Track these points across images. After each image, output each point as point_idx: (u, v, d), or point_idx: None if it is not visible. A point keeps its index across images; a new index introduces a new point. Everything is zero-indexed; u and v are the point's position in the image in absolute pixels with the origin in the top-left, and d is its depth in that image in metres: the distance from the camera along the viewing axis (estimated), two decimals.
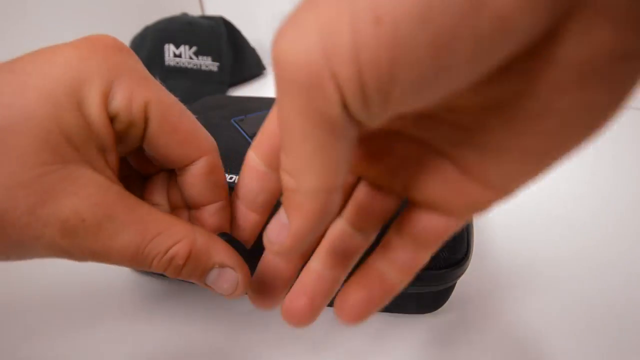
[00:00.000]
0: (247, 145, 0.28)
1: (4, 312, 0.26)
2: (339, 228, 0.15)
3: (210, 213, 0.17)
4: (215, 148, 0.18)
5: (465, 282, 0.26)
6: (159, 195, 0.18)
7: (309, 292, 0.15)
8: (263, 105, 0.36)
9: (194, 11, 0.80)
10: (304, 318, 0.15)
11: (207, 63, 0.62)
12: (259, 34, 0.77)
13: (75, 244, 0.13)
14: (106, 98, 0.14)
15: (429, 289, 0.22)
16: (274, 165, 0.15)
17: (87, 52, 0.14)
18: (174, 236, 0.15)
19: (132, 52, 0.16)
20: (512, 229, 0.32)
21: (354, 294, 0.14)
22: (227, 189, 0.18)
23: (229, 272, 0.16)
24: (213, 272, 0.15)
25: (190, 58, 0.60)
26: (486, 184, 0.12)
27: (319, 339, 0.24)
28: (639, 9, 0.08)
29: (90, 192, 0.13)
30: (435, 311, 0.25)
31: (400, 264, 0.14)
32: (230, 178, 0.24)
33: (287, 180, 0.11)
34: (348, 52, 0.08)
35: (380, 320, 0.25)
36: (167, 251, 0.14)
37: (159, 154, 0.16)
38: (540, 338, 0.24)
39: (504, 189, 0.12)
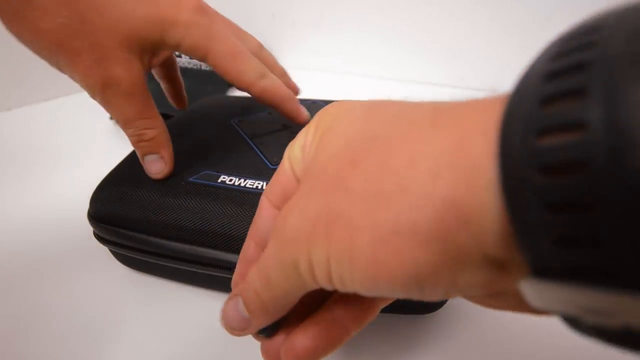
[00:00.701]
0: (247, 145, 0.28)
1: (5, 310, 0.26)
2: None
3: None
4: (257, 79, 0.24)
5: None
6: None
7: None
8: (262, 106, 0.36)
9: None
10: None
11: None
12: (259, 34, 0.77)
13: (106, 93, 0.21)
14: (179, 42, 0.22)
15: None
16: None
17: (178, 3, 0.22)
18: (149, 126, 0.23)
19: (211, 13, 0.23)
20: None
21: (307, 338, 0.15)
22: (283, 94, 0.26)
23: (161, 163, 0.24)
24: (153, 156, 0.23)
25: (190, 58, 0.60)
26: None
27: None
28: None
29: (132, 72, 0.21)
30: (436, 311, 0.25)
31: (355, 314, 0.15)
32: (230, 180, 0.24)
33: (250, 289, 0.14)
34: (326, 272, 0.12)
35: (381, 321, 0.25)
36: (142, 130, 0.22)
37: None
38: (541, 337, 0.24)
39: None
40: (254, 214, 0.21)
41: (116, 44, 0.20)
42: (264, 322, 0.15)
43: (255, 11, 0.76)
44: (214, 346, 0.24)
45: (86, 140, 0.48)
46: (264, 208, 0.17)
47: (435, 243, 0.10)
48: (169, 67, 0.30)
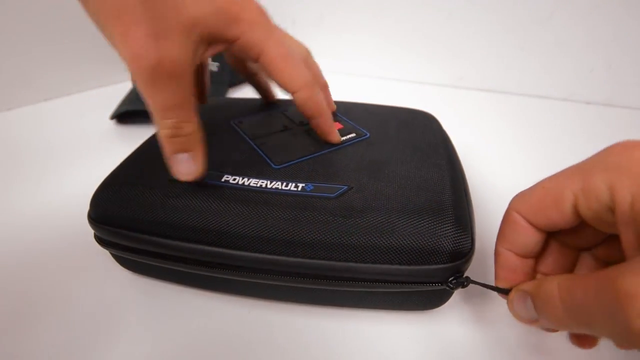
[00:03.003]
0: (247, 146, 0.28)
1: (5, 314, 0.26)
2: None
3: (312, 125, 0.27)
4: (305, 86, 0.25)
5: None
6: None
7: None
8: (262, 106, 0.36)
9: None
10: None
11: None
12: None
13: (154, 73, 0.19)
14: (235, 40, 0.22)
15: (433, 286, 0.22)
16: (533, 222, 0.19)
17: (247, 4, 0.22)
18: (188, 119, 0.21)
19: (268, 18, 0.24)
20: None
21: None
22: (323, 107, 0.26)
23: (192, 164, 0.22)
24: (185, 155, 0.21)
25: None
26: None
27: (320, 336, 0.24)
28: None
29: (186, 58, 0.20)
30: (439, 307, 0.25)
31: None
32: (234, 179, 0.24)
33: None
34: None
35: (383, 317, 0.25)
36: (180, 122, 0.21)
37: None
38: (542, 335, 0.24)
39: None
40: (259, 212, 0.22)
41: (180, 25, 0.19)
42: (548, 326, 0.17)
43: None
44: (214, 347, 0.24)
45: (86, 141, 0.48)
46: (518, 222, 0.19)
47: None
48: (202, 69, 0.30)
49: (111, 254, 0.27)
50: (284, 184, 0.24)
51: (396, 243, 0.21)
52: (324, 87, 0.31)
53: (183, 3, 0.19)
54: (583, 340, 0.20)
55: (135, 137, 0.31)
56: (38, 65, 0.59)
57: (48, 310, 0.26)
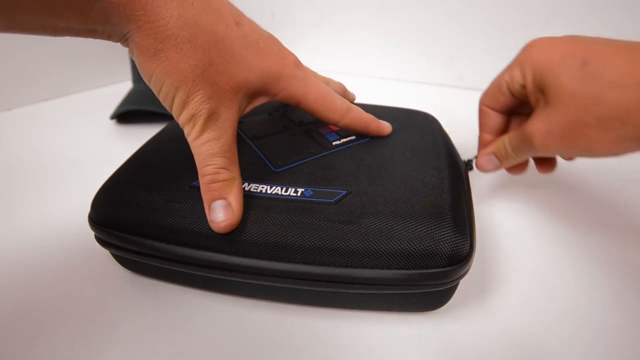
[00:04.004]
0: (248, 147, 0.28)
1: (5, 314, 0.26)
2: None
3: None
4: (345, 114, 0.28)
5: (468, 280, 0.27)
6: None
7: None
8: (262, 107, 0.36)
9: None
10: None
11: None
12: None
13: (205, 123, 0.22)
14: (279, 92, 0.25)
15: (434, 288, 0.22)
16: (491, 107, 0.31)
17: (286, 60, 0.25)
18: (230, 168, 0.23)
19: (304, 67, 0.27)
20: (515, 228, 0.33)
21: None
22: (366, 119, 0.30)
23: (229, 210, 0.22)
24: (221, 202, 0.22)
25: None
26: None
27: (321, 337, 0.24)
28: None
29: (232, 112, 0.23)
30: (439, 308, 0.25)
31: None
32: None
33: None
34: None
35: (384, 319, 0.25)
36: (216, 169, 0.22)
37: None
38: (542, 336, 0.24)
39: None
40: (259, 218, 0.22)
41: (230, 87, 0.22)
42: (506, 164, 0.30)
43: (255, 11, 0.76)
44: (214, 347, 0.24)
45: (86, 141, 0.48)
46: (486, 112, 0.31)
47: None
48: None
49: (111, 253, 0.27)
50: (284, 189, 0.24)
51: (395, 248, 0.21)
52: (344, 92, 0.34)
53: (235, 69, 0.22)
54: (540, 165, 0.31)
55: (135, 137, 0.31)
56: (38, 65, 0.59)
57: (48, 310, 0.26)
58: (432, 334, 0.24)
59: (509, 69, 0.28)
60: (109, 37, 0.21)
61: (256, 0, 0.75)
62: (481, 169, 0.30)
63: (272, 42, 0.25)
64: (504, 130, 0.31)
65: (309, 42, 0.74)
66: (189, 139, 0.22)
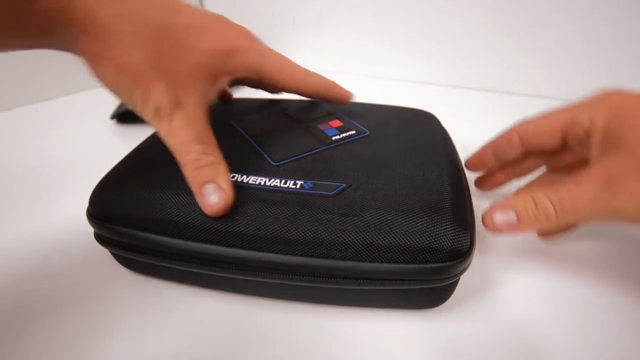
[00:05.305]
0: (248, 144, 0.28)
1: (5, 314, 0.26)
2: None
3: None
4: (306, 82, 0.28)
5: (468, 277, 0.27)
6: None
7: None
8: (262, 105, 0.36)
9: None
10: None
11: None
12: (259, 34, 0.77)
13: (172, 115, 0.22)
14: (238, 67, 0.25)
15: (433, 283, 0.22)
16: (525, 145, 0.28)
17: (235, 34, 0.25)
18: (208, 151, 0.22)
19: (256, 39, 0.26)
20: None
21: None
22: (326, 80, 0.30)
23: (221, 191, 0.22)
24: (211, 186, 0.22)
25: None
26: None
27: (321, 334, 0.24)
28: None
29: (196, 98, 0.23)
30: (440, 306, 0.25)
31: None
32: (233, 177, 0.24)
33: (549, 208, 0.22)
34: None
35: (383, 316, 0.25)
36: (199, 154, 0.22)
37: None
38: (543, 334, 0.24)
39: None
40: (257, 210, 0.22)
41: (184, 73, 0.22)
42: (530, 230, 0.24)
43: (255, 11, 0.76)
44: (214, 346, 0.23)
45: (86, 140, 0.48)
46: (513, 140, 0.28)
47: None
48: None
49: (111, 253, 0.27)
50: (283, 181, 0.24)
51: (394, 242, 0.21)
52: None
53: (187, 54, 0.22)
54: (547, 234, 0.29)
55: (135, 136, 0.31)
56: (38, 65, 0.59)
57: (48, 310, 0.26)
58: (432, 331, 0.24)
59: (569, 110, 0.25)
60: (61, 48, 0.21)
61: (256, 0, 0.75)
62: (492, 227, 0.23)
63: (219, 22, 0.25)
64: (511, 165, 0.30)
65: (309, 42, 0.75)
66: (161, 134, 0.22)
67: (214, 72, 0.24)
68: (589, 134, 0.24)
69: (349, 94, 0.31)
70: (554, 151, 0.27)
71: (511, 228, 0.22)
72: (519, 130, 0.28)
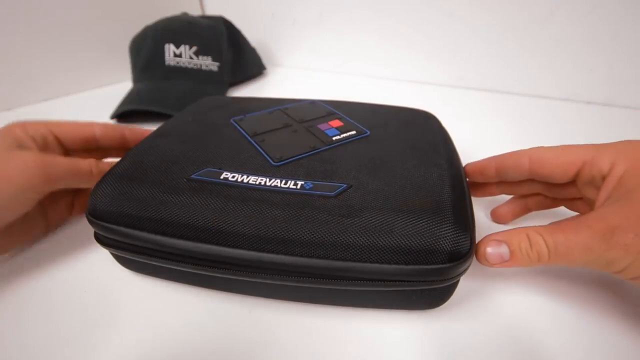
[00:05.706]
0: (248, 143, 0.28)
1: (5, 314, 0.26)
2: None
3: None
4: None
5: (468, 278, 0.26)
6: None
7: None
8: (262, 105, 0.36)
9: (194, 11, 0.80)
10: None
11: (207, 63, 0.62)
12: (259, 34, 0.78)
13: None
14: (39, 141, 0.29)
15: (433, 284, 0.22)
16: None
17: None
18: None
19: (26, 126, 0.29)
20: (516, 226, 0.32)
21: None
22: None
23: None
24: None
25: (191, 58, 0.60)
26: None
27: (321, 335, 0.24)
28: None
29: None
30: (440, 306, 0.25)
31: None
32: (233, 177, 0.24)
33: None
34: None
35: (383, 316, 0.25)
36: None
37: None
38: (542, 335, 0.24)
39: None
40: (257, 211, 0.22)
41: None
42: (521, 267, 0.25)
43: (255, 11, 0.76)
44: (215, 346, 0.23)
45: None
46: (522, 164, 0.26)
47: None
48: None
49: (111, 253, 0.27)
50: (283, 181, 0.24)
51: (395, 243, 0.21)
52: None
53: None
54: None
55: None
56: (38, 65, 0.59)
57: (48, 310, 0.26)
58: (432, 332, 0.24)
59: (591, 150, 0.24)
60: None
61: (256, 0, 0.75)
62: (483, 259, 0.23)
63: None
64: (508, 183, 0.30)
65: (309, 42, 0.75)
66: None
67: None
68: (604, 178, 0.23)
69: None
70: (558, 184, 0.26)
71: (502, 263, 0.22)
72: (532, 155, 0.26)
